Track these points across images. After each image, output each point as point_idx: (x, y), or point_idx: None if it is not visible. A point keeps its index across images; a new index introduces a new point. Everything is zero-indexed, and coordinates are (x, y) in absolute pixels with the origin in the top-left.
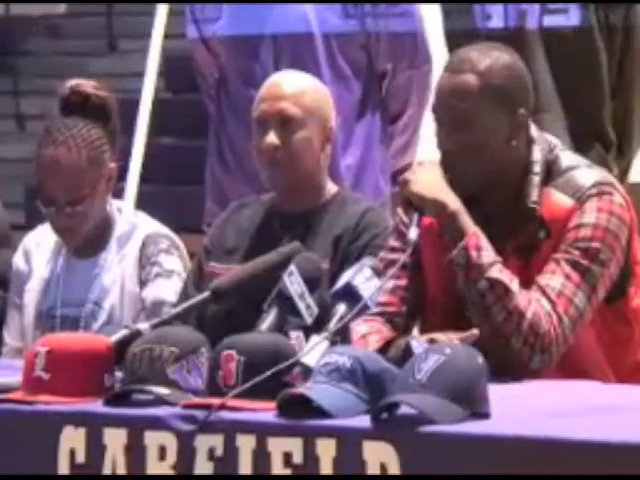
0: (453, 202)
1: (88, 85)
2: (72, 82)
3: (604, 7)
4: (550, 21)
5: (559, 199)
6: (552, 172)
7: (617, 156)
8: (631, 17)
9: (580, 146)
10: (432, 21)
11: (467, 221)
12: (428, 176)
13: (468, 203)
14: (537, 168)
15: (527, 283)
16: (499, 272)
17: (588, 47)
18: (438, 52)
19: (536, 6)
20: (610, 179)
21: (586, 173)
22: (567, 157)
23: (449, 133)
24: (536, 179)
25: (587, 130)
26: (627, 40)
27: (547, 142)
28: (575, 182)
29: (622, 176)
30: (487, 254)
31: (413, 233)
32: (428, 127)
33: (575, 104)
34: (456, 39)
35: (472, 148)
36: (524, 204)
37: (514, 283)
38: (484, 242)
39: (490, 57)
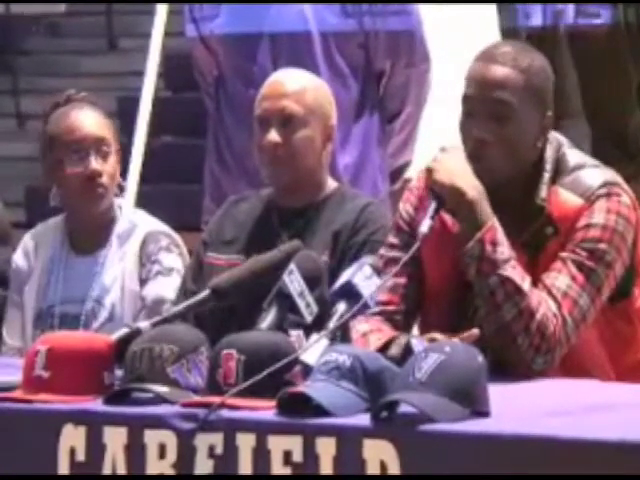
0: (472, 190)
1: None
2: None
3: (635, 8)
4: (582, 22)
5: (567, 198)
6: (559, 170)
7: None
8: None
9: (602, 154)
10: (430, 20)
11: (486, 212)
12: (450, 163)
13: None
14: (548, 166)
15: (533, 279)
16: (512, 269)
17: (616, 49)
18: (436, 51)
19: (571, 6)
20: (617, 179)
21: (593, 173)
22: (574, 155)
23: (486, 123)
24: (546, 176)
25: (611, 138)
26: None
27: (556, 140)
28: (583, 182)
29: None
30: (502, 250)
31: (425, 226)
32: (426, 125)
33: (600, 109)
34: (504, 37)
35: (507, 142)
36: (533, 201)
37: (526, 282)
38: (500, 236)
39: (528, 56)
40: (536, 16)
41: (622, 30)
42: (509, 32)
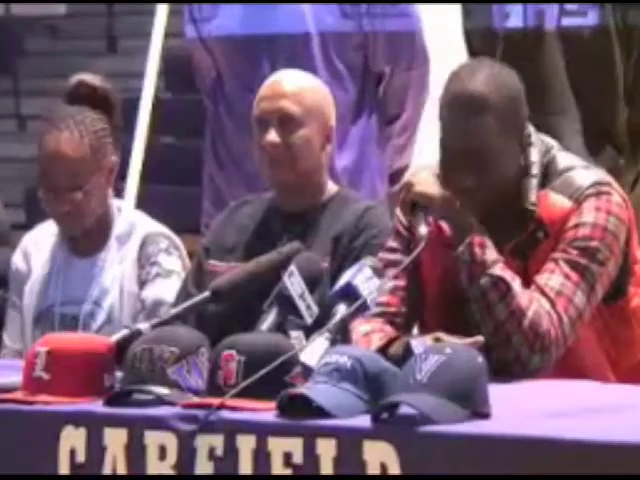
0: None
1: (95, 79)
2: (79, 76)
3: (622, 7)
4: (568, 22)
5: (557, 200)
6: (549, 173)
7: (630, 162)
8: None
9: (592, 148)
10: (429, 22)
11: (470, 218)
12: (428, 176)
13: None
14: (535, 170)
15: (525, 284)
16: (501, 270)
17: (604, 48)
18: (435, 53)
19: (554, 6)
20: (608, 179)
21: (583, 174)
22: (563, 158)
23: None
24: (534, 181)
25: (599, 132)
26: None
27: (544, 143)
28: (573, 183)
29: (634, 183)
30: (490, 252)
31: (423, 230)
32: (425, 128)
33: (588, 105)
34: (476, 38)
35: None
36: (522, 206)
37: (516, 282)
38: (488, 241)
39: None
40: (516, 17)
41: (611, 29)
42: (482, 33)
